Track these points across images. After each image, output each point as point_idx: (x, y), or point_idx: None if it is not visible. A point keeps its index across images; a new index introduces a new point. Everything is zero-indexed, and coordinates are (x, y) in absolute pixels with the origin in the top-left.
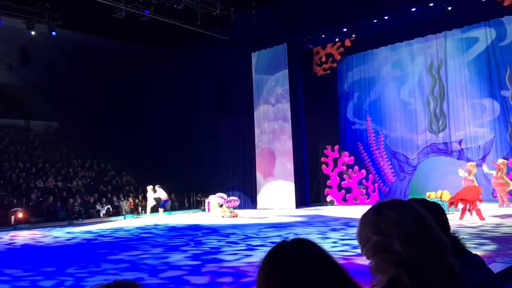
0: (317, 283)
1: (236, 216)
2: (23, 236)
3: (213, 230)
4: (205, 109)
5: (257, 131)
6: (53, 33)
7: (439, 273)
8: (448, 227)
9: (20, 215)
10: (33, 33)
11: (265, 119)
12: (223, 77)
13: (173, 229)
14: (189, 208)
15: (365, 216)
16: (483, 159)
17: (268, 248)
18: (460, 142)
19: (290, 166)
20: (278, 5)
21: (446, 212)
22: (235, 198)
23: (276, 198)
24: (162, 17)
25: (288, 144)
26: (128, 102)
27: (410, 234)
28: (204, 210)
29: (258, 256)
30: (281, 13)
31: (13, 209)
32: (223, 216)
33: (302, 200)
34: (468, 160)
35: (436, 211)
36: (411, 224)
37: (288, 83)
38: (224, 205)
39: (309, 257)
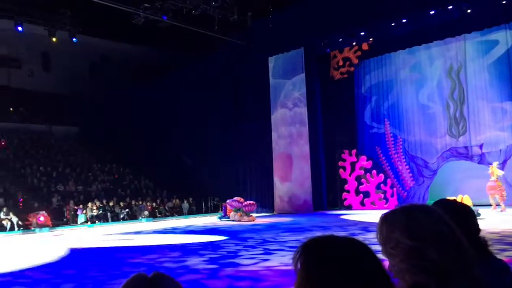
0: (368, 284)
1: (254, 220)
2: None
3: (230, 234)
4: (222, 113)
5: (274, 135)
6: (74, 39)
7: (466, 285)
8: (476, 230)
9: (42, 218)
10: (54, 39)
11: (282, 123)
12: (240, 81)
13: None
14: (206, 212)
15: (392, 217)
16: (504, 163)
17: (287, 252)
18: (481, 146)
19: (307, 170)
20: (295, 10)
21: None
22: (252, 202)
23: (293, 202)
24: (179, 23)
25: (306, 148)
26: (146, 107)
27: (445, 242)
28: (221, 214)
29: (276, 260)
30: (298, 18)
31: (35, 212)
32: (239, 221)
33: (319, 204)
34: (489, 164)
35: (462, 213)
36: (446, 232)
37: (305, 87)
38: (241, 209)
39: (362, 257)
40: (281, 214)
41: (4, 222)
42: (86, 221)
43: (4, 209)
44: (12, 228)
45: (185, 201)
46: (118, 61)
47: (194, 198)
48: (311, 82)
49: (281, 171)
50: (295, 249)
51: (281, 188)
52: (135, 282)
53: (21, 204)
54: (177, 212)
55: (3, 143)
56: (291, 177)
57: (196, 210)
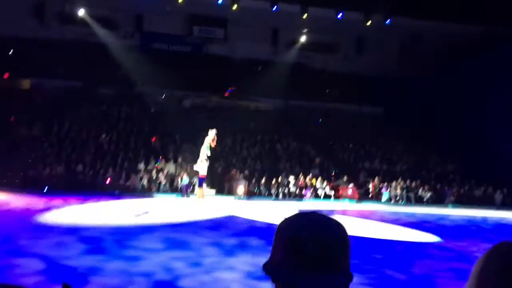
0: None
1: None
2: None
3: None
4: None
5: None
6: (387, 21)
7: None
8: None
9: (350, 191)
10: (368, 23)
11: None
12: None
13: None
14: None
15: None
16: None
17: None
18: None
19: None
20: None
21: None
22: None
23: None
24: None
25: None
26: (461, 90)
27: None
28: None
29: None
30: None
31: (344, 185)
32: None
33: None
34: None
35: None
36: None
37: None
38: None
39: None
40: None
41: (319, 191)
42: (389, 199)
43: (320, 178)
44: (324, 197)
45: (498, 191)
46: (430, 41)
47: (509, 189)
48: None
49: None
50: None
51: None
52: None
53: (332, 177)
54: (486, 201)
55: (320, 121)
56: None
57: (511, 202)
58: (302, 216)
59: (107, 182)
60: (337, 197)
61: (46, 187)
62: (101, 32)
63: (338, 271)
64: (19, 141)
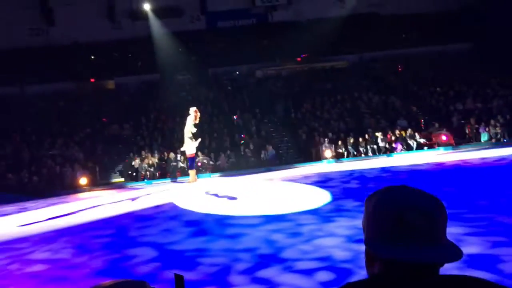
0: None
1: None
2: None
3: None
4: None
5: None
6: None
7: None
8: None
9: (444, 137)
10: None
11: None
12: None
13: None
14: None
15: None
16: None
17: None
18: None
19: None
20: None
21: None
22: None
23: None
24: None
25: None
26: None
27: None
28: None
29: None
30: None
31: (437, 132)
32: None
33: None
34: None
35: None
36: None
37: None
38: None
39: None
40: None
41: (410, 142)
42: (490, 139)
43: (409, 130)
44: (417, 148)
45: None
46: None
47: None
48: None
49: None
50: None
51: None
52: None
53: (422, 125)
54: None
55: (400, 69)
56: None
57: None
58: (399, 190)
59: (199, 164)
60: (430, 145)
61: (144, 180)
62: (168, 22)
63: (443, 242)
64: (113, 139)
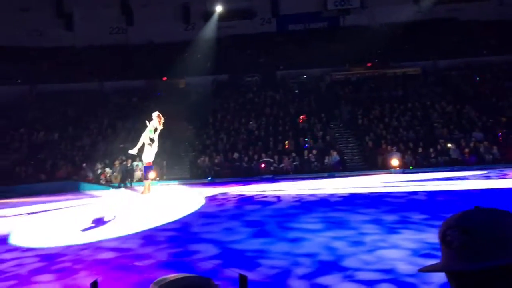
0: None
1: None
2: None
3: None
4: None
5: None
6: None
7: None
8: None
9: None
10: None
11: None
12: None
13: None
14: None
15: None
16: None
17: None
18: None
19: None
20: None
21: None
22: None
23: None
24: None
25: None
26: None
27: None
28: None
29: None
30: None
31: None
32: None
33: None
34: None
35: None
36: None
37: None
38: None
39: None
40: None
41: (485, 156)
42: None
43: (485, 143)
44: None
45: None
46: None
47: None
48: None
49: None
50: None
51: None
52: None
53: (500, 138)
54: None
55: (477, 78)
56: None
57: None
58: (458, 213)
59: (262, 166)
60: (509, 160)
61: (210, 177)
62: (239, 24)
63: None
64: (181, 136)
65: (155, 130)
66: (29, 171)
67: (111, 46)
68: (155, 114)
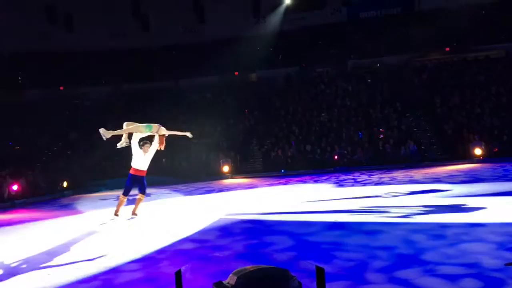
0: None
1: None
2: None
3: None
4: None
5: None
6: None
7: None
8: None
9: None
10: None
11: None
12: None
13: None
14: None
15: None
16: None
17: None
18: None
19: None
20: None
21: None
22: None
23: None
24: None
25: None
26: None
27: None
28: None
29: None
30: None
31: None
32: None
33: None
34: None
35: None
36: None
37: None
38: None
39: None
40: None
41: None
42: None
43: None
44: None
45: None
46: None
47: None
48: None
49: None
50: None
51: None
52: None
53: None
54: None
55: None
56: None
57: None
58: None
59: (335, 158)
60: None
61: (282, 170)
62: (309, 15)
63: None
64: (252, 130)
65: (144, 143)
66: (115, 166)
67: (184, 45)
68: (156, 132)
